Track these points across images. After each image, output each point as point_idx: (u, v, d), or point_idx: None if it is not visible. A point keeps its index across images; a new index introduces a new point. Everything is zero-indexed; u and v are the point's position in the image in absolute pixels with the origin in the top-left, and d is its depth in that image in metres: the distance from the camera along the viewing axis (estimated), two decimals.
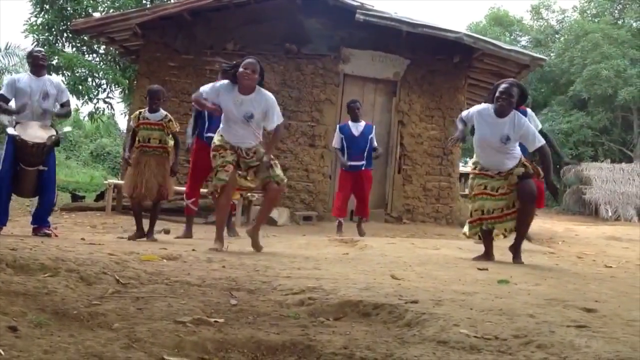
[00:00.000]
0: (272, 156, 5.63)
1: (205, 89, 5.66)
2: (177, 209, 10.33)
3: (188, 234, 7.39)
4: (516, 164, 5.61)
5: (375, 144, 8.97)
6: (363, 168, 8.79)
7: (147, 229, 6.94)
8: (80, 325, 2.34)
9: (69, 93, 7.32)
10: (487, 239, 5.80)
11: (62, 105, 6.88)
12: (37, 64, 6.83)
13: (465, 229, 5.92)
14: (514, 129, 5.52)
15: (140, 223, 6.90)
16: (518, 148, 5.72)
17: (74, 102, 17.10)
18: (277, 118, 5.64)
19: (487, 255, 5.78)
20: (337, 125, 9.45)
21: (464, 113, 5.95)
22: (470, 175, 5.94)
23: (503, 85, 5.57)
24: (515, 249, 5.70)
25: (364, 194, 8.92)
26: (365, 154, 8.80)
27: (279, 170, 5.61)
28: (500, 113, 5.54)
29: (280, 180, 5.57)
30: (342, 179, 9.02)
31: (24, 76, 6.94)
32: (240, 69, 5.43)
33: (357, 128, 8.84)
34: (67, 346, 1.97)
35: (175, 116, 7.99)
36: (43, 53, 7.05)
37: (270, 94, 5.65)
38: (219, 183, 5.48)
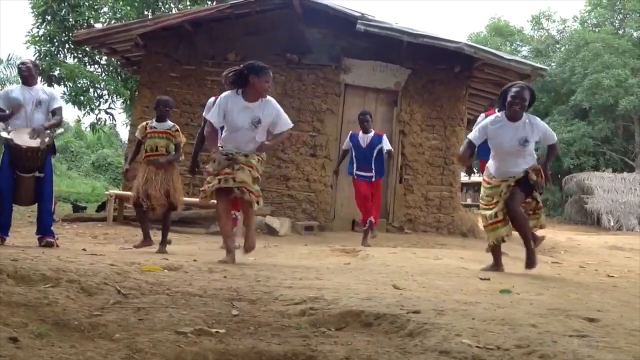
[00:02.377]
0: (253, 161, 5.50)
1: (213, 116, 5.51)
2: (180, 220, 10.35)
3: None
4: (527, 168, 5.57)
5: (388, 148, 9.00)
6: (373, 180, 8.93)
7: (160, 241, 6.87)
8: (81, 336, 2.34)
9: (61, 101, 7.31)
10: (496, 249, 5.80)
11: (53, 113, 6.86)
12: (22, 76, 6.92)
13: (488, 237, 5.84)
14: (531, 129, 5.49)
15: (147, 230, 6.86)
16: (534, 154, 5.69)
17: (75, 112, 17.16)
18: (284, 124, 5.66)
19: (497, 265, 5.77)
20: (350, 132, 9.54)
21: (472, 135, 5.75)
22: (483, 185, 5.93)
23: (515, 90, 5.47)
24: (528, 257, 5.64)
25: (375, 199, 9.04)
26: (373, 165, 8.90)
27: (245, 176, 5.37)
28: (514, 118, 5.49)
29: (241, 184, 5.33)
30: (356, 184, 9.17)
31: (16, 87, 7.00)
32: (260, 81, 5.41)
33: (364, 140, 9.00)
34: (68, 357, 1.97)
35: None
36: (27, 65, 6.97)
37: (274, 101, 5.63)
38: (209, 188, 5.44)
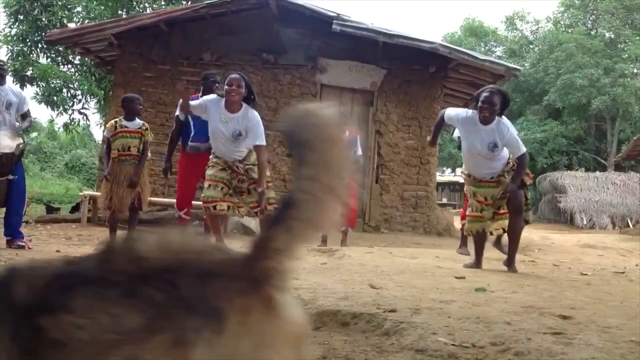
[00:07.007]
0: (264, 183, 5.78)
1: (194, 102, 5.71)
2: (154, 220, 10.28)
3: None
4: (504, 167, 5.66)
5: (360, 153, 8.96)
6: None
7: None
8: None
9: (29, 102, 7.19)
10: (479, 245, 5.87)
11: (22, 116, 6.76)
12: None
13: (466, 225, 5.94)
14: (499, 136, 5.54)
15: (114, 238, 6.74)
16: (506, 151, 5.73)
17: (48, 113, 16.97)
18: (257, 138, 5.63)
19: (478, 263, 5.84)
20: None
21: (450, 113, 5.89)
22: (465, 181, 6.04)
23: (484, 94, 5.53)
24: (510, 260, 5.71)
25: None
26: None
27: (272, 193, 5.91)
28: (485, 122, 5.55)
29: (276, 202, 5.78)
30: None
31: None
32: (226, 87, 5.46)
33: None
34: None
35: (151, 127, 7.94)
36: (2, 62, 6.92)
37: (256, 114, 5.66)
38: (207, 198, 5.54)
